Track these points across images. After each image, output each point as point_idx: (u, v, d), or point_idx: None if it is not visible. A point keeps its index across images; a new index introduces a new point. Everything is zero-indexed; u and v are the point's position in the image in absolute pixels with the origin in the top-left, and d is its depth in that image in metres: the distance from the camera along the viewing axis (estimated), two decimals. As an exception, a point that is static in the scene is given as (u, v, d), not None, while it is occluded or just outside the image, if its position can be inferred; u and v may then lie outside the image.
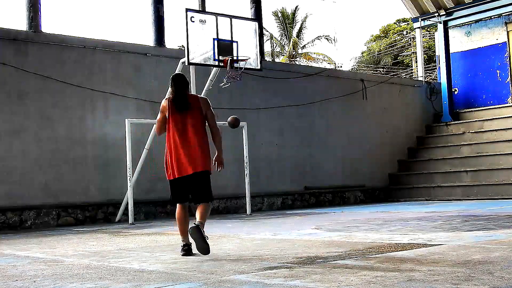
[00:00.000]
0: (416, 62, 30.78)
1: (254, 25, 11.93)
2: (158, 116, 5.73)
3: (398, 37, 42.87)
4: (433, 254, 4.81)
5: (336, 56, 72.08)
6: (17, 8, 55.52)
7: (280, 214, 12.24)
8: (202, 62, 11.21)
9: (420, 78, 19.46)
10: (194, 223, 5.25)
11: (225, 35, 11.16)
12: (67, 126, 11.59)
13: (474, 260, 4.32)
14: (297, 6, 45.22)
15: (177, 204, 5.60)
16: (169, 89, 5.79)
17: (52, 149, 11.35)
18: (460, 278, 3.62)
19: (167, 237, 7.74)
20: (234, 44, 11.17)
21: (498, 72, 17.62)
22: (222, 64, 11.08)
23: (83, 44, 12.00)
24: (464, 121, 17.72)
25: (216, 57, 11.01)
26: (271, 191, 14.44)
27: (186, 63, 11.11)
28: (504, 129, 16.29)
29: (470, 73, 18.27)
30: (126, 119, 11.12)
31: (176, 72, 11.71)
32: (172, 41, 55.59)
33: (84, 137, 11.78)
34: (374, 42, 46.06)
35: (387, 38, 44.33)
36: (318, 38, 43.05)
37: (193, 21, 10.88)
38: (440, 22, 18.44)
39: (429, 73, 29.02)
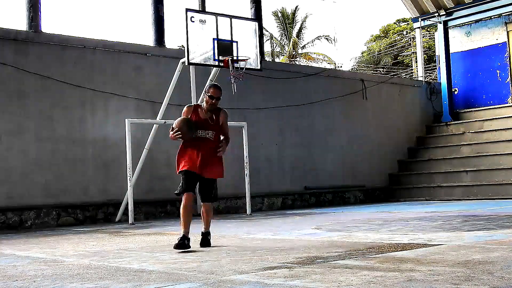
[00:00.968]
0: (416, 62, 30.78)
1: (254, 25, 11.93)
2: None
3: (398, 37, 42.87)
4: (433, 254, 4.81)
5: (336, 56, 72.16)
6: (17, 8, 55.56)
7: (280, 214, 12.23)
8: (202, 62, 11.21)
9: (420, 78, 19.47)
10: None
11: (225, 35, 11.17)
12: (67, 126, 11.59)
13: (474, 260, 4.32)
14: (297, 6, 45.26)
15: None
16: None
17: (52, 149, 11.35)
18: (460, 278, 3.62)
19: (167, 237, 7.74)
20: (234, 44, 11.18)
21: (498, 72, 17.62)
22: (222, 64, 11.09)
23: (83, 44, 12.00)
24: (464, 121, 17.72)
25: (216, 57, 11.01)
26: (271, 191, 14.44)
27: (186, 63, 11.12)
28: (504, 129, 16.29)
29: (470, 73, 18.27)
30: (126, 119, 11.12)
31: (176, 71, 11.80)
32: (172, 41, 55.62)
33: (84, 137, 11.78)
34: (374, 42, 46.06)
35: (387, 38, 44.33)
36: (318, 38, 43.07)
37: (193, 21, 10.89)
38: (440, 22, 18.44)
39: (429, 73, 29.03)
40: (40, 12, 11.70)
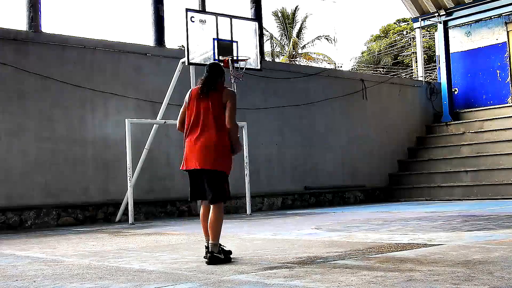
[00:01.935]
0: (416, 62, 30.78)
1: (254, 25, 11.93)
2: (182, 108, 5.27)
3: (398, 37, 42.87)
4: (433, 254, 4.81)
5: (336, 56, 72.16)
6: (17, 8, 55.56)
7: (280, 214, 12.23)
8: (202, 62, 11.21)
9: (420, 78, 19.46)
10: (208, 252, 4.84)
11: (225, 35, 11.17)
12: (67, 126, 11.59)
13: (474, 260, 4.32)
14: (297, 6, 45.26)
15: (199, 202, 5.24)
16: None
17: (52, 149, 11.35)
18: (460, 278, 3.62)
19: (167, 237, 7.74)
20: (234, 44, 11.18)
21: (498, 72, 17.62)
22: (222, 64, 11.08)
23: (83, 44, 12.00)
24: (464, 121, 17.72)
25: (216, 57, 11.01)
26: (271, 191, 14.44)
27: (186, 63, 11.12)
28: (504, 129, 16.29)
29: (470, 73, 18.27)
30: (126, 119, 11.12)
31: (176, 71, 11.79)
32: (172, 41, 55.61)
33: (84, 137, 11.78)
34: (374, 42, 46.07)
35: (387, 38, 44.33)
36: (318, 38, 43.08)
37: (193, 21, 10.89)
38: (440, 22, 18.44)
39: (429, 73, 29.03)
40: (40, 12, 11.70)
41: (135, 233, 8.66)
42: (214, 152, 4.93)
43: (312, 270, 4.21)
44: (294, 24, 42.75)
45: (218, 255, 4.83)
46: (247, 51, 11.45)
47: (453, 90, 18.42)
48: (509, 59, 17.38)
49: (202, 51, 11.07)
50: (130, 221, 10.76)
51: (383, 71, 39.28)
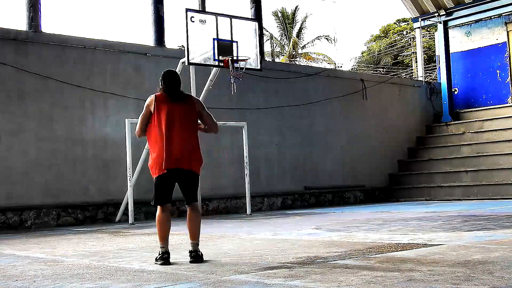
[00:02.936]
0: (416, 62, 30.78)
1: (254, 25, 11.93)
2: (143, 112, 5.34)
3: (398, 37, 42.87)
4: (433, 254, 4.81)
5: (336, 56, 72.15)
6: (17, 8, 55.56)
7: (280, 214, 12.23)
8: (202, 62, 11.21)
9: (420, 78, 19.46)
10: (191, 250, 5.02)
11: (225, 35, 11.16)
12: (67, 126, 11.59)
13: (474, 260, 4.32)
14: (297, 6, 45.23)
15: (158, 207, 5.16)
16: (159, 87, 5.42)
17: (52, 149, 11.35)
18: (460, 278, 3.62)
19: (167, 237, 7.72)
20: (234, 44, 11.17)
21: (498, 72, 17.62)
22: (222, 64, 11.08)
23: (83, 44, 12.00)
24: (464, 121, 17.72)
25: (216, 57, 11.01)
26: (271, 191, 14.44)
27: (186, 63, 11.12)
28: (504, 129, 16.29)
29: (470, 73, 18.27)
30: (126, 119, 11.12)
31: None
32: (172, 41, 55.62)
33: (84, 137, 11.78)
34: (374, 42, 46.06)
35: (387, 38, 44.33)
36: (318, 38, 43.06)
37: (193, 21, 10.88)
38: (440, 22, 18.44)
39: (429, 73, 29.02)
40: (40, 12, 11.70)
41: (135, 233, 8.66)
42: (195, 156, 5.23)
43: (312, 270, 4.21)
44: (294, 24, 42.74)
45: (199, 254, 5.07)
46: (247, 51, 11.44)
47: (453, 90, 18.42)
48: (509, 59, 17.37)
49: (202, 51, 11.06)
50: (130, 221, 10.76)
51: (383, 71, 39.28)
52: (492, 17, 17.69)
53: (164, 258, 4.95)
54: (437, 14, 18.46)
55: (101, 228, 9.95)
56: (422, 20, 18.86)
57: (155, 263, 4.96)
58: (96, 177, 11.81)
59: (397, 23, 45.56)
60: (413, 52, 37.57)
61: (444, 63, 18.24)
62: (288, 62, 38.10)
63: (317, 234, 7.20)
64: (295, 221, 9.92)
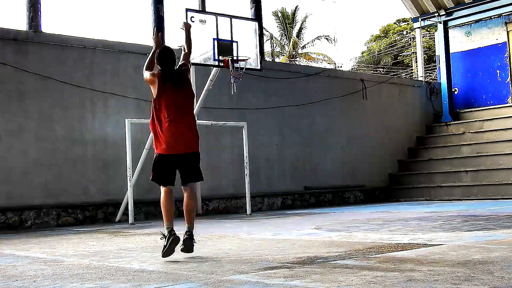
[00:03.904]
0: (416, 62, 30.79)
1: (254, 25, 11.93)
2: (150, 76, 5.51)
3: (398, 37, 42.88)
4: (433, 254, 4.81)
5: (336, 56, 72.22)
6: (17, 8, 55.56)
7: (280, 214, 12.23)
8: (202, 62, 11.21)
9: (420, 78, 19.46)
10: (185, 234, 5.18)
11: (225, 35, 11.16)
12: (67, 126, 11.59)
13: (474, 260, 4.32)
14: (297, 6, 45.25)
15: (162, 188, 5.32)
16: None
17: (52, 149, 11.35)
18: (460, 278, 3.62)
19: (167, 237, 7.72)
20: (234, 44, 11.18)
21: (498, 72, 17.62)
22: (222, 64, 11.08)
23: (83, 44, 12.00)
24: (464, 121, 17.72)
25: (216, 57, 11.01)
26: (271, 191, 14.44)
27: (186, 63, 11.09)
28: (504, 129, 16.29)
29: (470, 73, 18.27)
30: (126, 119, 11.12)
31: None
32: (172, 41, 55.57)
33: (84, 137, 11.78)
34: (374, 42, 46.08)
35: (387, 38, 44.34)
36: (318, 38, 43.08)
37: (193, 21, 10.88)
38: (440, 22, 18.44)
39: (429, 73, 29.03)
40: (40, 12, 11.70)
41: (135, 233, 8.66)
42: (196, 136, 5.47)
43: (312, 270, 4.21)
44: (294, 24, 42.75)
45: (193, 238, 5.26)
46: (247, 51, 11.44)
47: (453, 90, 18.42)
48: (509, 59, 17.37)
49: (202, 51, 11.06)
50: (130, 221, 10.76)
51: (383, 71, 39.28)
52: (492, 17, 17.68)
53: (172, 234, 5.10)
54: (437, 14, 18.46)
55: (101, 228, 9.95)
56: (422, 20, 18.86)
57: (163, 244, 5.11)
58: (96, 177, 11.81)
59: (397, 23, 45.59)
60: (413, 52, 37.57)
61: (444, 63, 18.24)
62: (288, 62, 38.10)
63: (317, 234, 7.20)
64: (295, 221, 9.92)
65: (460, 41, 18.44)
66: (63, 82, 11.58)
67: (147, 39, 25.13)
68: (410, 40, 39.75)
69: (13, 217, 10.75)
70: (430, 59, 33.32)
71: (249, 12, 14.93)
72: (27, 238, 8.44)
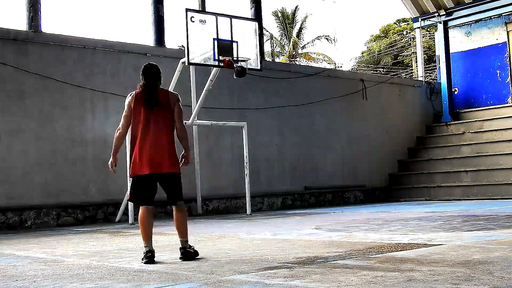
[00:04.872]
0: (416, 62, 30.78)
1: (254, 25, 11.92)
2: (125, 112, 5.52)
3: (398, 37, 42.87)
4: (433, 254, 4.81)
5: (336, 56, 72.19)
6: (17, 8, 55.55)
7: (280, 214, 12.23)
8: (202, 62, 11.20)
9: (420, 78, 19.47)
10: (180, 247, 5.19)
11: (225, 35, 11.15)
12: (67, 126, 11.59)
13: (474, 260, 4.32)
14: (297, 6, 45.24)
15: (141, 207, 5.26)
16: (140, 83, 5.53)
17: (52, 149, 11.35)
18: (460, 278, 3.62)
19: (167, 237, 7.73)
20: (234, 44, 11.16)
21: (498, 72, 17.62)
22: (222, 64, 11.07)
23: (83, 44, 12.00)
24: (464, 121, 17.72)
25: (216, 57, 10.99)
26: (271, 191, 14.44)
27: (186, 63, 11.11)
28: (504, 129, 16.29)
29: (470, 73, 18.27)
30: (126, 119, 11.09)
31: (176, 71, 11.78)
32: (172, 41, 55.61)
33: (84, 137, 11.78)
34: (374, 42, 46.07)
35: (387, 38, 44.34)
36: (318, 38, 43.08)
37: (193, 21, 10.88)
38: (440, 22, 18.44)
39: (429, 73, 29.02)
40: (40, 12, 11.70)
41: (135, 233, 8.65)
42: (174, 156, 5.28)
43: (312, 270, 4.21)
44: (294, 24, 42.74)
45: (190, 250, 5.20)
46: (247, 51, 11.43)
47: (453, 90, 18.42)
48: (509, 59, 17.37)
49: (202, 51, 11.05)
50: (130, 221, 10.76)
51: (383, 71, 39.28)
52: (492, 17, 17.68)
53: (148, 257, 5.07)
54: (437, 14, 18.46)
55: (101, 228, 9.95)
56: (422, 20, 18.86)
57: (141, 262, 5.07)
58: (96, 177, 11.81)
59: (397, 23, 45.57)
60: (413, 52, 37.56)
61: (444, 63, 18.24)
62: (288, 62, 38.09)
63: (317, 234, 7.20)
64: (295, 221, 9.92)
65: (460, 41, 18.44)
66: (63, 82, 11.58)
67: (147, 39, 25.14)
68: (410, 40, 39.74)
69: (13, 217, 10.75)
70: (430, 59, 33.31)
71: (249, 12, 14.93)
72: (27, 238, 8.44)
